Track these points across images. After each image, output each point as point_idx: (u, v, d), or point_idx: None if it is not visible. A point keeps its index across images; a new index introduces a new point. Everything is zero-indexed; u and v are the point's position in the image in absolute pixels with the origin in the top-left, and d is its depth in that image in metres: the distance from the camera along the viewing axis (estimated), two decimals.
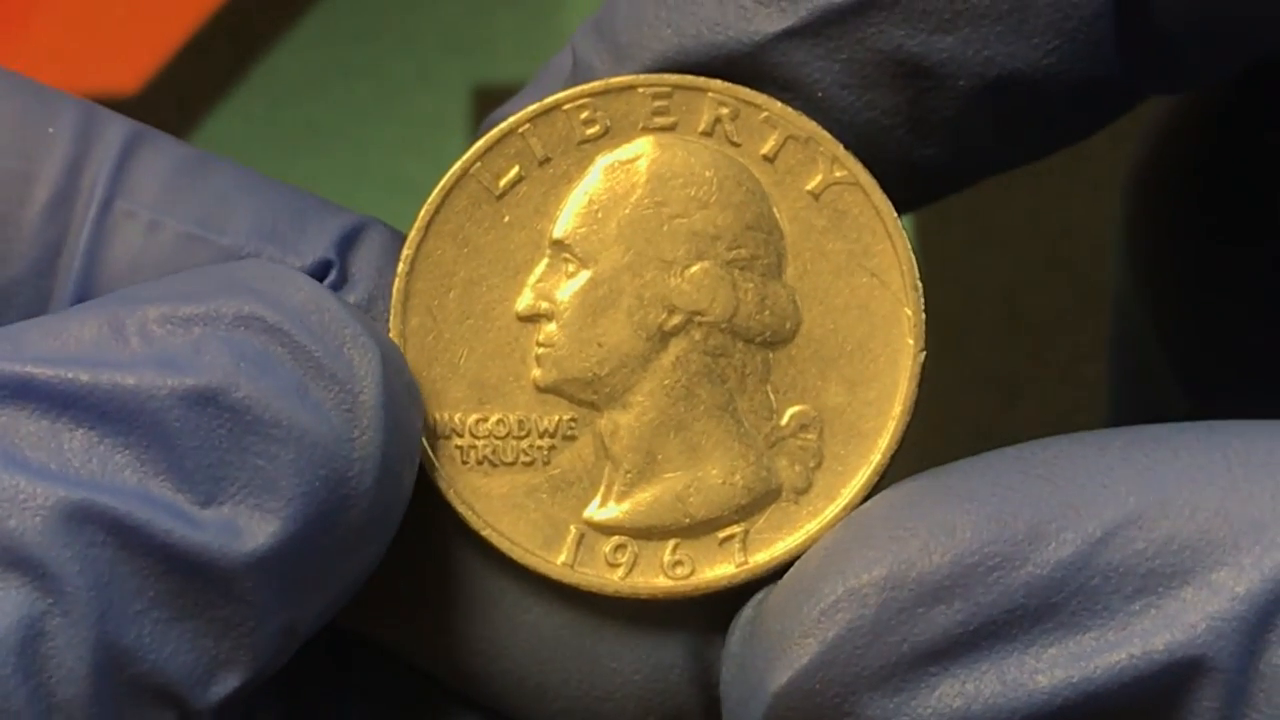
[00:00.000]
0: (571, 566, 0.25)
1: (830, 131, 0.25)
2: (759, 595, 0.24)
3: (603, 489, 0.25)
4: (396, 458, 0.23)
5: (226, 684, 0.22)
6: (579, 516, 0.25)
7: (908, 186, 0.26)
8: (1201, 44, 0.26)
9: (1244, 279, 0.33)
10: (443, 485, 0.25)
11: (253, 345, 0.23)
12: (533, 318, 0.25)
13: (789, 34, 0.25)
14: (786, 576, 0.24)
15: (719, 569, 0.25)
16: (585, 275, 0.25)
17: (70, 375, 0.23)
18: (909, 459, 0.25)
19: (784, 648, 0.23)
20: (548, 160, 0.25)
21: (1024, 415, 0.53)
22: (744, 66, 0.25)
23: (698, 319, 0.25)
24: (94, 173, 0.25)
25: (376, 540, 0.24)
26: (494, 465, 0.25)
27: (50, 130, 0.25)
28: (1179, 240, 0.34)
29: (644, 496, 0.25)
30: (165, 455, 0.22)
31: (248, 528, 0.22)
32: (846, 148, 0.25)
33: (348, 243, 0.25)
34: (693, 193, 0.25)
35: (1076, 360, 0.52)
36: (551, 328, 0.25)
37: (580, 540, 0.25)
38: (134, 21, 0.51)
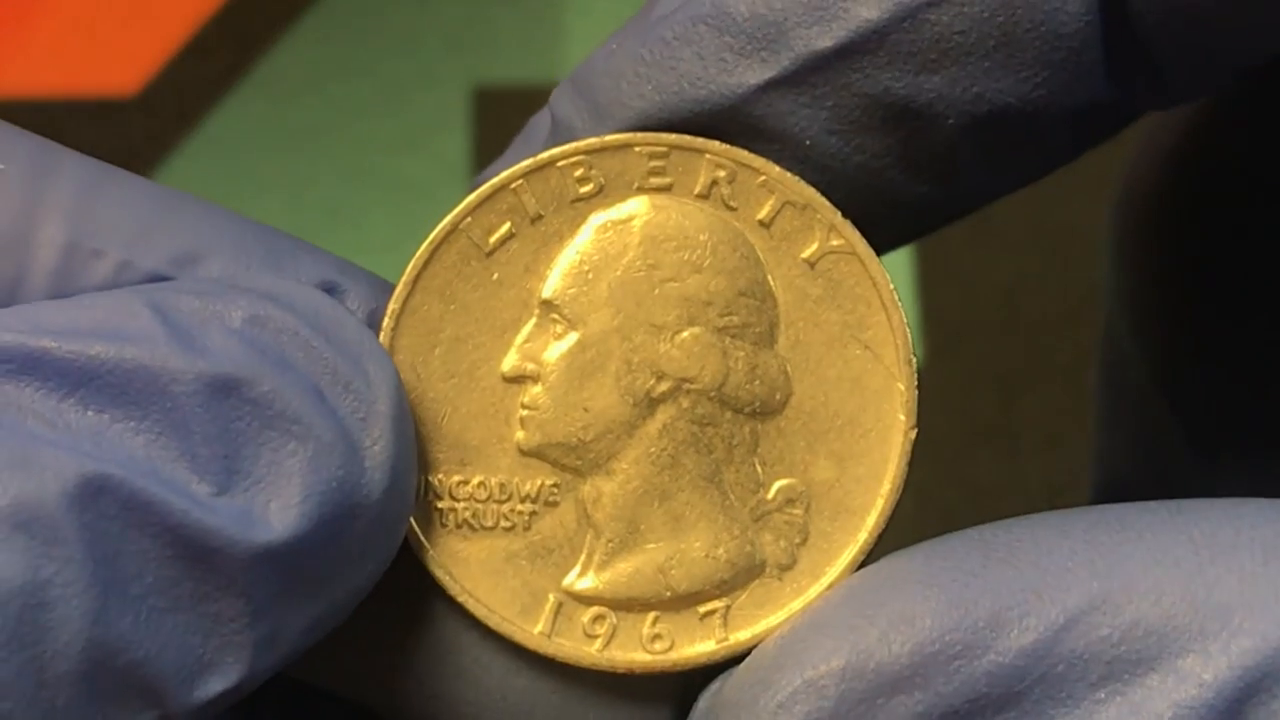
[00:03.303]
0: (549, 636, 0.24)
1: (821, 178, 0.25)
2: (713, 686, 0.24)
3: (583, 557, 0.25)
4: (404, 474, 0.23)
5: (208, 688, 0.22)
6: (558, 585, 0.25)
7: (900, 225, 0.26)
8: (1190, 61, 0.26)
9: (1235, 305, 0.33)
10: (422, 548, 0.25)
11: (269, 343, 0.23)
12: (518, 379, 0.25)
13: (773, 84, 0.25)
14: (741, 667, 0.23)
15: (699, 645, 0.24)
16: (573, 337, 0.25)
17: (91, 351, 0.22)
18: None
19: None
20: (540, 217, 0.25)
21: (1024, 415, 0.53)
22: (728, 120, 0.25)
23: (686, 386, 0.25)
24: (52, 213, 0.24)
25: (375, 558, 0.23)
26: (474, 529, 0.25)
27: (2, 168, 0.24)
28: (1168, 266, 0.33)
29: (625, 567, 0.24)
30: (181, 440, 0.22)
31: (261, 519, 0.22)
32: (844, 213, 0.25)
33: (329, 289, 0.25)
34: (686, 256, 0.25)
35: (1076, 360, 0.52)
36: (537, 390, 0.25)
37: (558, 610, 0.25)
38: (134, 21, 0.51)
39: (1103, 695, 0.22)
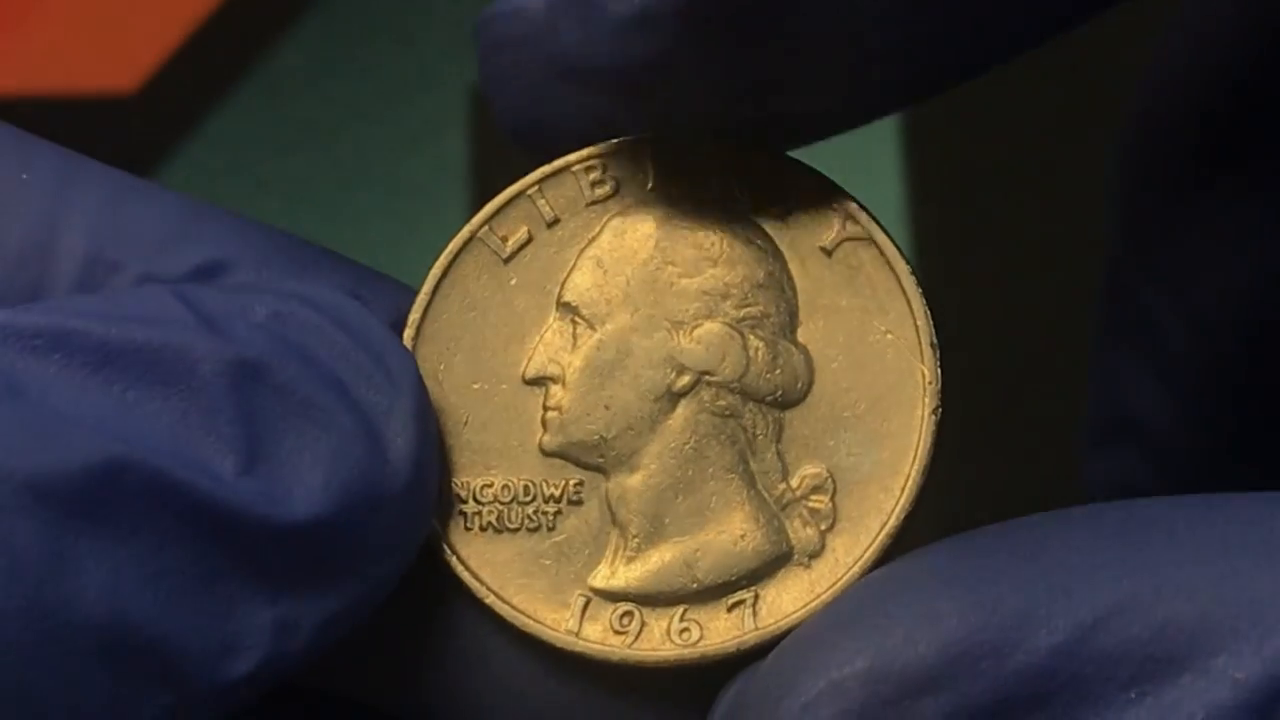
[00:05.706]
0: (576, 635, 0.24)
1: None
2: (734, 686, 0.24)
3: (609, 554, 0.25)
4: (427, 470, 0.23)
5: (227, 671, 0.22)
6: (584, 583, 0.25)
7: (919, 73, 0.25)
8: None
9: (1234, 222, 0.32)
10: (447, 552, 0.25)
11: (293, 336, 0.23)
12: (539, 381, 0.25)
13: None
14: (763, 668, 0.23)
15: (728, 635, 0.24)
16: (593, 337, 0.25)
17: (118, 330, 0.22)
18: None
19: None
20: (557, 221, 0.25)
21: (1024, 415, 0.53)
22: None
23: (707, 379, 0.25)
24: (74, 223, 0.24)
25: (397, 553, 0.23)
26: (499, 531, 0.25)
27: (24, 177, 0.24)
28: (1168, 194, 0.33)
29: (651, 562, 0.24)
30: (205, 419, 0.22)
31: (284, 499, 0.22)
32: (860, 205, 0.25)
33: (352, 297, 0.25)
34: (701, 251, 0.25)
35: (1077, 360, 0.52)
36: (558, 391, 0.25)
37: (585, 608, 0.24)
38: (134, 21, 0.51)
39: (1133, 695, 0.21)
